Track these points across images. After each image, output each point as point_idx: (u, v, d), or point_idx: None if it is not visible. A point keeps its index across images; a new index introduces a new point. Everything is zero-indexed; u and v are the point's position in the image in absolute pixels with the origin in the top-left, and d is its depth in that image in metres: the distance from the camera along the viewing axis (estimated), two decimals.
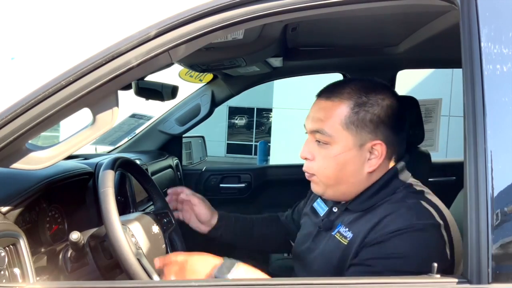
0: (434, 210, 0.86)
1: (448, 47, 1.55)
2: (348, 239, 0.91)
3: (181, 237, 1.27)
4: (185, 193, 1.23)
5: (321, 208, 1.07)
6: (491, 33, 0.70)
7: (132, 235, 1.01)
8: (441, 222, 0.83)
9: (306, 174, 0.98)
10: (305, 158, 0.96)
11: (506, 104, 0.69)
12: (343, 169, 0.91)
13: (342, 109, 0.90)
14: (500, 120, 0.69)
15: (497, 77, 0.69)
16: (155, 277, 0.90)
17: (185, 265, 0.86)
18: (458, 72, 1.22)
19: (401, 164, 0.94)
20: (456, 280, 0.67)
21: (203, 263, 0.86)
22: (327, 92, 0.94)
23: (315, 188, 0.98)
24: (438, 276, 0.68)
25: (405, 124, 0.94)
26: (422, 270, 0.72)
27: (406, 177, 0.94)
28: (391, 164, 0.94)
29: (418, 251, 0.81)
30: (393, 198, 0.90)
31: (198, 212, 1.23)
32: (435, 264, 0.69)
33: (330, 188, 0.95)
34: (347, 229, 0.93)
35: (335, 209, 1.00)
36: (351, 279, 0.71)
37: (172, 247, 1.22)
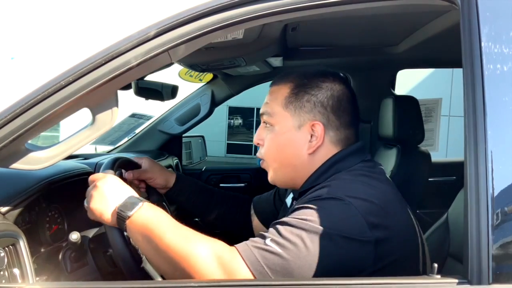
0: (356, 185, 0.83)
1: (448, 47, 1.55)
2: None
3: None
4: (128, 178, 1.15)
5: (289, 203, 1.06)
6: (491, 33, 0.70)
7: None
8: (361, 196, 0.80)
9: (260, 162, 1.00)
10: (257, 144, 0.99)
11: (506, 104, 0.69)
12: (284, 150, 0.93)
13: (284, 90, 0.93)
14: (500, 120, 0.68)
15: (497, 77, 0.69)
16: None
17: (99, 190, 0.87)
18: (458, 72, 1.22)
19: (349, 148, 0.92)
20: (456, 280, 0.67)
21: (114, 194, 0.87)
22: (277, 79, 0.98)
23: (268, 175, 0.99)
24: (438, 276, 0.68)
25: (354, 112, 0.94)
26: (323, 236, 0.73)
27: (353, 162, 0.91)
28: (337, 149, 0.93)
29: (326, 215, 0.77)
30: (331, 178, 0.88)
31: (153, 185, 1.22)
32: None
33: (277, 172, 0.96)
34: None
35: (294, 202, 1.00)
36: (351, 279, 0.71)
37: None
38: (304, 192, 0.91)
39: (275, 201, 1.24)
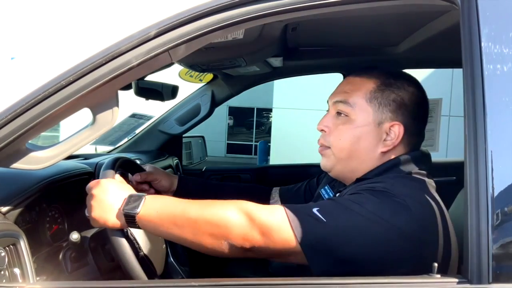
0: (411, 189, 0.84)
1: (448, 47, 1.55)
2: None
3: None
4: (135, 179, 1.18)
5: (326, 194, 1.06)
6: (491, 33, 0.70)
7: (134, 238, 1.01)
8: (421, 200, 0.81)
9: (319, 148, 0.99)
10: (321, 130, 0.98)
11: (506, 104, 0.69)
12: (357, 143, 0.92)
13: (369, 84, 0.92)
14: (500, 120, 0.69)
15: (497, 77, 0.69)
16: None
17: (97, 199, 0.86)
18: (458, 72, 1.22)
19: (411, 154, 0.92)
20: (456, 280, 0.67)
21: (112, 198, 0.86)
22: (358, 71, 0.97)
23: (324, 162, 0.98)
24: (438, 276, 0.68)
25: (426, 117, 0.95)
26: (376, 227, 0.75)
27: (410, 168, 0.91)
28: (403, 151, 0.93)
29: (379, 203, 0.79)
30: (384, 177, 0.89)
31: (158, 188, 1.23)
32: (436, 264, 0.69)
33: (340, 162, 0.95)
34: None
35: (338, 195, 1.00)
36: (351, 279, 0.71)
37: (171, 246, 1.22)
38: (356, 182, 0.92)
39: (305, 193, 1.25)
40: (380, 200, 0.80)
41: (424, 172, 0.93)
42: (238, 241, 0.77)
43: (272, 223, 0.77)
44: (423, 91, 0.95)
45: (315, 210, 0.78)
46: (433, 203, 0.83)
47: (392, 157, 0.92)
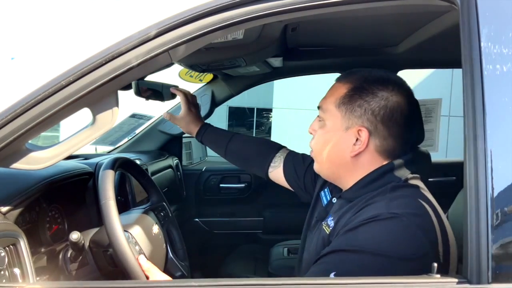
0: (417, 203, 0.84)
1: (448, 47, 1.55)
2: (331, 228, 0.92)
3: (178, 229, 1.28)
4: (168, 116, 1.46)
5: (325, 198, 1.07)
6: (491, 33, 0.70)
7: (136, 242, 1.01)
8: (420, 212, 0.82)
9: (310, 151, 1.04)
10: (310, 133, 1.03)
11: (506, 104, 0.69)
12: (328, 147, 0.96)
13: (342, 89, 0.94)
14: (500, 120, 0.68)
15: (497, 77, 0.69)
16: None
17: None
18: (458, 72, 1.22)
19: (399, 161, 0.93)
20: (456, 280, 0.67)
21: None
22: (342, 75, 1.00)
23: (314, 165, 1.03)
24: (438, 276, 0.68)
25: (408, 124, 0.93)
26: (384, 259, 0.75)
27: (403, 174, 0.92)
28: (387, 159, 0.94)
29: (388, 238, 0.80)
30: (381, 190, 0.89)
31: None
32: (435, 264, 0.69)
33: (321, 165, 1.00)
34: (332, 218, 0.95)
35: (334, 200, 1.02)
36: (351, 279, 0.71)
37: (170, 241, 1.22)
38: (353, 199, 0.92)
39: (307, 170, 1.25)
40: (389, 235, 0.80)
41: (416, 175, 0.94)
42: None
43: None
44: (400, 94, 0.92)
45: (332, 275, 0.79)
46: (430, 211, 0.83)
47: (370, 165, 0.93)
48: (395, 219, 0.80)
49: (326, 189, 1.09)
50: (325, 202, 1.06)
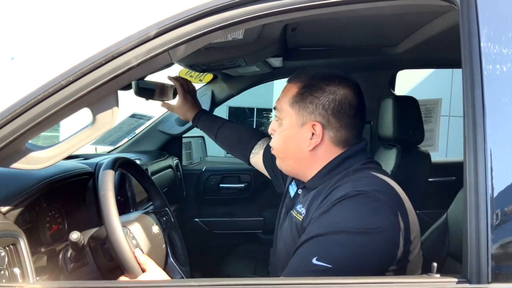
0: (379, 181, 0.92)
1: (448, 47, 1.55)
2: (302, 215, 0.97)
3: (180, 235, 1.27)
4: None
5: (292, 190, 1.12)
6: (490, 33, 0.70)
7: (133, 237, 1.01)
8: (383, 189, 0.89)
9: (271, 149, 1.09)
10: (270, 134, 1.08)
11: (506, 104, 0.69)
12: (287, 144, 1.01)
13: (293, 89, 1.00)
14: (500, 120, 0.69)
15: (496, 77, 0.69)
16: None
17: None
18: (458, 72, 1.22)
19: (355, 148, 0.99)
20: (456, 279, 0.67)
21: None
22: (291, 77, 1.05)
23: (276, 162, 1.09)
24: (438, 275, 0.68)
25: (357, 115, 0.98)
26: (362, 236, 0.81)
27: (361, 158, 0.98)
28: (343, 148, 0.99)
29: (357, 214, 0.85)
30: (344, 173, 0.96)
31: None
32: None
33: (282, 162, 1.06)
34: (302, 205, 1.00)
35: (299, 191, 1.07)
36: (351, 279, 0.71)
37: (172, 246, 1.22)
38: (317, 186, 0.98)
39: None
40: (358, 210, 0.86)
41: (373, 160, 1.01)
42: None
43: None
44: (346, 87, 0.98)
45: (315, 260, 0.83)
46: (392, 188, 0.91)
47: (327, 156, 0.99)
48: (363, 195, 0.87)
49: (293, 183, 1.13)
50: (292, 194, 1.11)
